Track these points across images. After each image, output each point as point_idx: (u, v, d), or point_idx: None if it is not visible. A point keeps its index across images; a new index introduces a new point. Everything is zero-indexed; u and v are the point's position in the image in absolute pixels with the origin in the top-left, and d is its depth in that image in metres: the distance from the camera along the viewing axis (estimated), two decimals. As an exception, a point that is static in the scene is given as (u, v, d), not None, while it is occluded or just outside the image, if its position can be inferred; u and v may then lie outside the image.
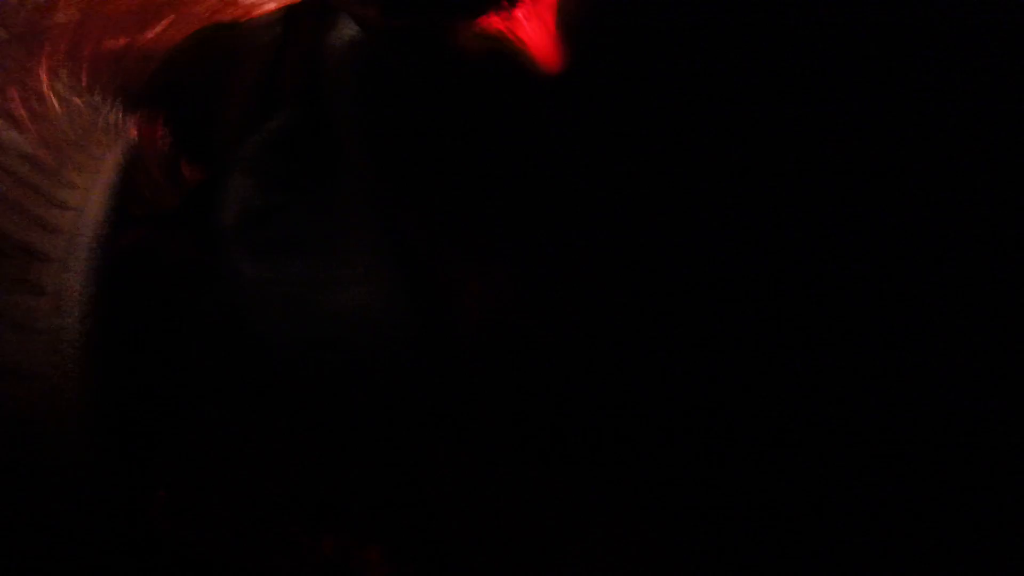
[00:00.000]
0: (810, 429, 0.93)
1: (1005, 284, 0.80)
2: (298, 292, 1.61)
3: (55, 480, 1.10)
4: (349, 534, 1.46)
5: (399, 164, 1.40)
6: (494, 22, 1.09)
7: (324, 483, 1.49)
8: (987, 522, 0.79)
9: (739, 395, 0.99)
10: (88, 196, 1.66)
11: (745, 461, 0.97)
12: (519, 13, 1.08)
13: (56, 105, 1.35)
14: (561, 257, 1.21)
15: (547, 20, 1.11)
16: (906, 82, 0.89)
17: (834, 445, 0.90)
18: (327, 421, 1.56)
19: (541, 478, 1.18)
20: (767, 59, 1.00)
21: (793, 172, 1.01)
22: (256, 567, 1.31)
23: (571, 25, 1.16)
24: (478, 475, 1.27)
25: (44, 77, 1.31)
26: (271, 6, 1.81)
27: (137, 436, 1.23)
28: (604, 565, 1.05)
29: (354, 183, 1.55)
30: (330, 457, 1.52)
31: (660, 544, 1.01)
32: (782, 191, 1.01)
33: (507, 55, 1.14)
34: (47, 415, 1.19)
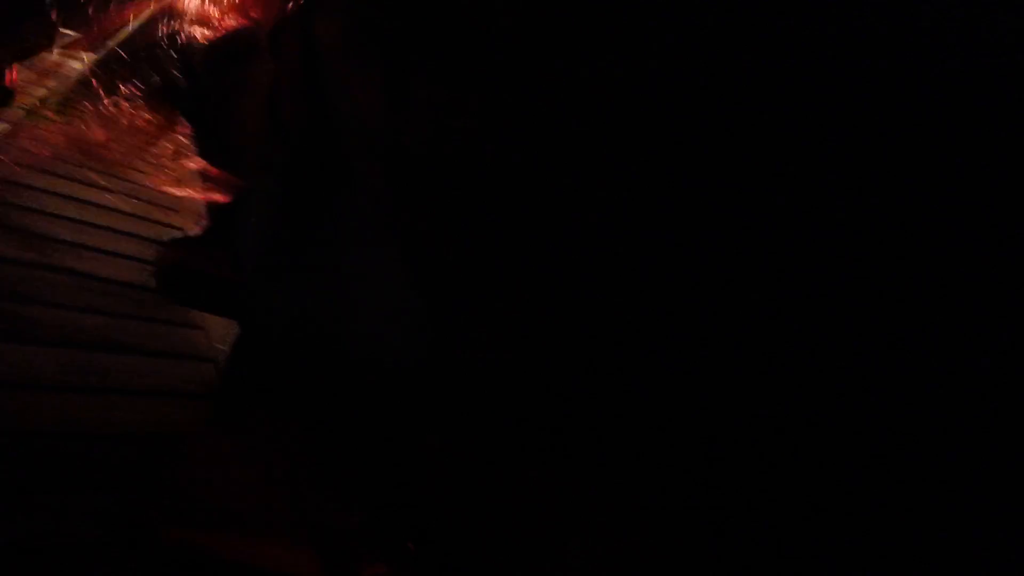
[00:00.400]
0: (810, 429, 0.92)
1: (1005, 284, 0.80)
2: (314, 312, 1.68)
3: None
4: (351, 533, 1.49)
5: (412, 189, 1.44)
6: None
7: (329, 486, 1.53)
8: (987, 522, 0.79)
9: (739, 395, 1.00)
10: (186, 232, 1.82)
11: (745, 460, 0.97)
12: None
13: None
14: (560, 261, 1.22)
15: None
16: (903, 82, 0.89)
17: (834, 445, 0.90)
18: (338, 426, 1.61)
19: (541, 477, 1.19)
20: (767, 59, 1.00)
21: (793, 172, 1.02)
22: (260, 565, 1.35)
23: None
24: (478, 474, 1.29)
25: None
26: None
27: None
28: (605, 564, 1.06)
29: (366, 208, 1.61)
30: (335, 461, 1.56)
31: (660, 543, 1.01)
32: (782, 191, 1.01)
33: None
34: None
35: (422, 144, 1.30)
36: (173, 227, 2.83)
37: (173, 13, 2.80)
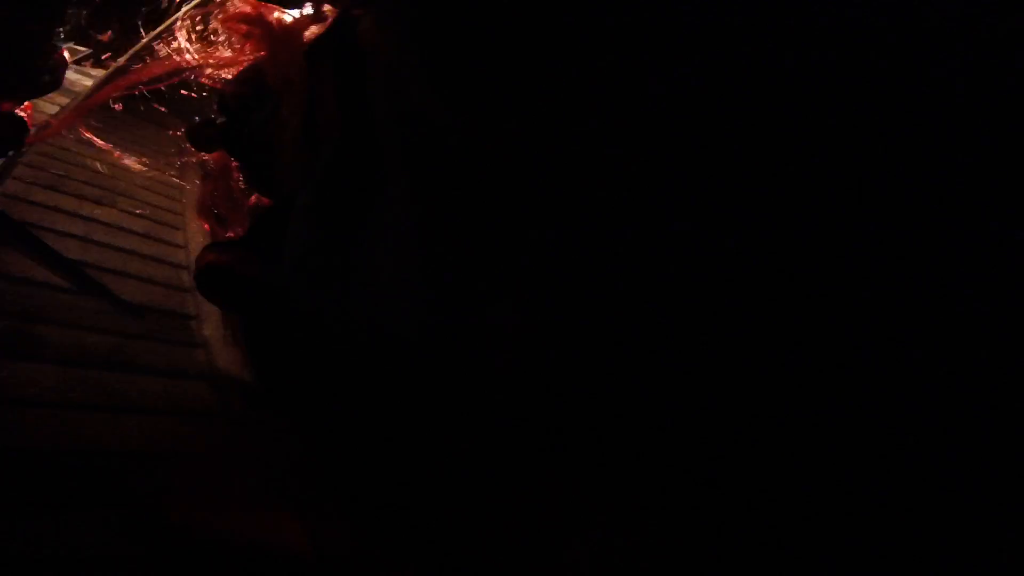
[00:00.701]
0: (810, 429, 0.93)
1: (1005, 284, 0.80)
2: (350, 315, 1.73)
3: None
4: (351, 531, 1.52)
5: (439, 197, 1.50)
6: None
7: (335, 482, 1.56)
8: (987, 522, 0.80)
9: (740, 394, 1.01)
10: (189, 255, 1.93)
11: (745, 460, 0.98)
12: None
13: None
14: (571, 267, 1.25)
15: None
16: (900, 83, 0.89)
17: (834, 444, 0.91)
18: (339, 427, 1.65)
19: (542, 477, 1.21)
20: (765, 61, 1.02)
21: (791, 173, 1.03)
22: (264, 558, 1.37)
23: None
24: (479, 474, 1.32)
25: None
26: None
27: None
28: (606, 563, 1.07)
29: (391, 210, 1.68)
30: (335, 462, 1.59)
31: (661, 542, 1.02)
32: (780, 192, 1.01)
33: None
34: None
35: (455, 125, 1.36)
36: (177, 245, 2.89)
37: (198, 59, 2.95)
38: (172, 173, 3.52)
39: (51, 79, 2.66)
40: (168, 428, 1.91)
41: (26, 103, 2.81)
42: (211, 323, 2.59)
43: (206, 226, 3.04)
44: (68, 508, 1.38)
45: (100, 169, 3.16)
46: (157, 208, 3.13)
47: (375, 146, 1.77)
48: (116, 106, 3.76)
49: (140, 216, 2.96)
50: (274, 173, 2.44)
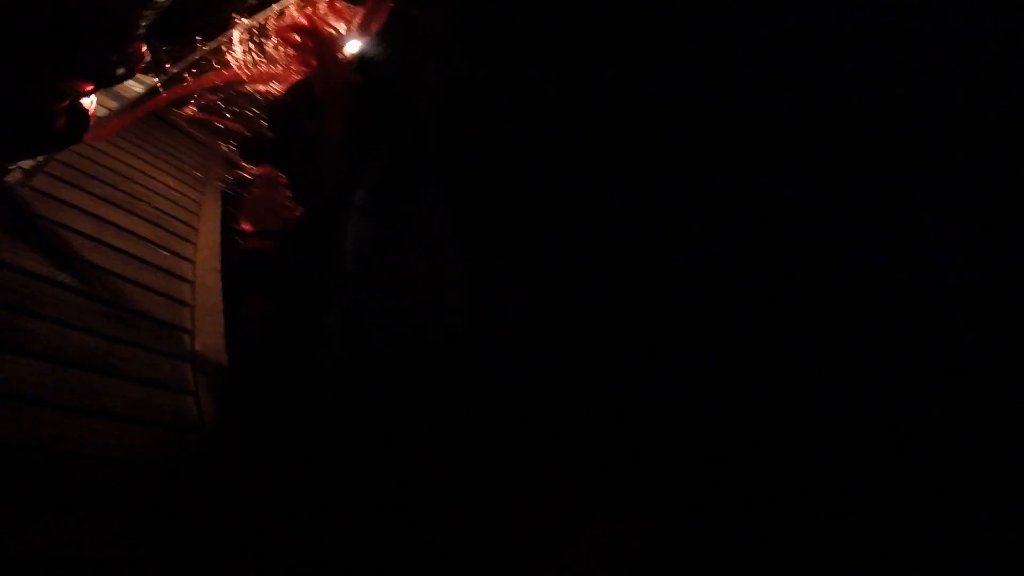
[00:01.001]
0: (811, 428, 0.91)
1: (1006, 283, 0.78)
2: (403, 313, 1.76)
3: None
4: (353, 531, 1.48)
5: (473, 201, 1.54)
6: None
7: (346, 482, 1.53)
8: (987, 522, 0.76)
9: (741, 394, 0.99)
10: (196, 270, 1.99)
11: (745, 460, 0.95)
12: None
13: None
14: (580, 273, 1.25)
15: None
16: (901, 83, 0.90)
17: (834, 444, 0.88)
18: (340, 427, 1.63)
19: (543, 477, 1.18)
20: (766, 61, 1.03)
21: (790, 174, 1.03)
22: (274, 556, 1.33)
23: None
24: (479, 474, 1.29)
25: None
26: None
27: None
28: (608, 563, 1.03)
29: (434, 208, 1.72)
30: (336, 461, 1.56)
31: (663, 542, 0.98)
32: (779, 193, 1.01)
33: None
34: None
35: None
36: (185, 259, 2.92)
37: (246, 74, 3.10)
38: (194, 187, 3.61)
39: (127, 72, 2.69)
40: (140, 438, 1.88)
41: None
42: (204, 339, 2.58)
43: (247, 227, 3.10)
44: (50, 509, 1.35)
45: (125, 174, 3.24)
46: (173, 219, 3.19)
47: (425, 147, 1.85)
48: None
49: (154, 225, 3.01)
50: (318, 178, 2.51)
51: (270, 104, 3.18)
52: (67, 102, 2.09)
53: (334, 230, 2.09)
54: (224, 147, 4.07)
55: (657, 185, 1.18)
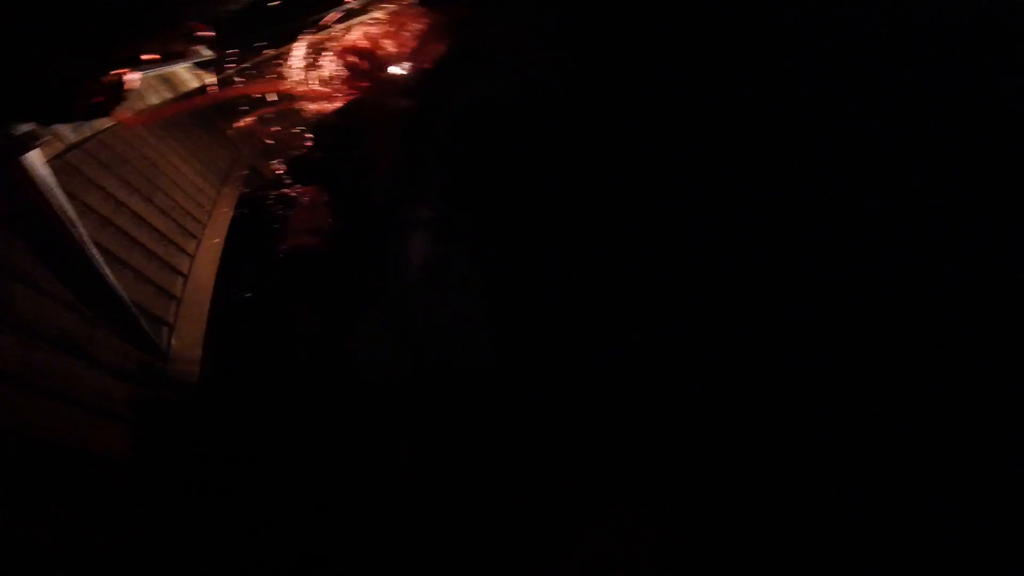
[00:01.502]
0: (812, 428, 0.90)
1: (1006, 282, 0.78)
2: (451, 320, 1.79)
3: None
4: (355, 530, 1.47)
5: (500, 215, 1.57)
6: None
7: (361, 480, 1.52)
8: (986, 522, 0.75)
9: (742, 394, 0.98)
10: (194, 267, 2.09)
11: (748, 460, 0.94)
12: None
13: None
14: (591, 277, 1.26)
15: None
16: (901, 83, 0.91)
17: (834, 444, 0.87)
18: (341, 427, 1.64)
19: (546, 476, 1.17)
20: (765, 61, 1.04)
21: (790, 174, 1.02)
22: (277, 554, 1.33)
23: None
24: (480, 474, 1.29)
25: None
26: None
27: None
28: (611, 562, 1.01)
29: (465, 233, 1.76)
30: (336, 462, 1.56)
31: (666, 542, 0.96)
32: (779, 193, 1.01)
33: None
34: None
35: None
36: (187, 254, 3.01)
37: (299, 90, 3.24)
38: (214, 186, 3.74)
39: (181, 51, 2.75)
40: (96, 427, 1.90)
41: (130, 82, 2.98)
42: (183, 337, 2.63)
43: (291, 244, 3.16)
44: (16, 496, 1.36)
45: (155, 162, 3.38)
46: (185, 213, 3.30)
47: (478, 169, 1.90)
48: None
49: (166, 216, 3.11)
50: (368, 200, 2.57)
51: (318, 124, 3.29)
52: (114, 75, 2.11)
53: (383, 248, 2.14)
54: (262, 160, 4.21)
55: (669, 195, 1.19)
